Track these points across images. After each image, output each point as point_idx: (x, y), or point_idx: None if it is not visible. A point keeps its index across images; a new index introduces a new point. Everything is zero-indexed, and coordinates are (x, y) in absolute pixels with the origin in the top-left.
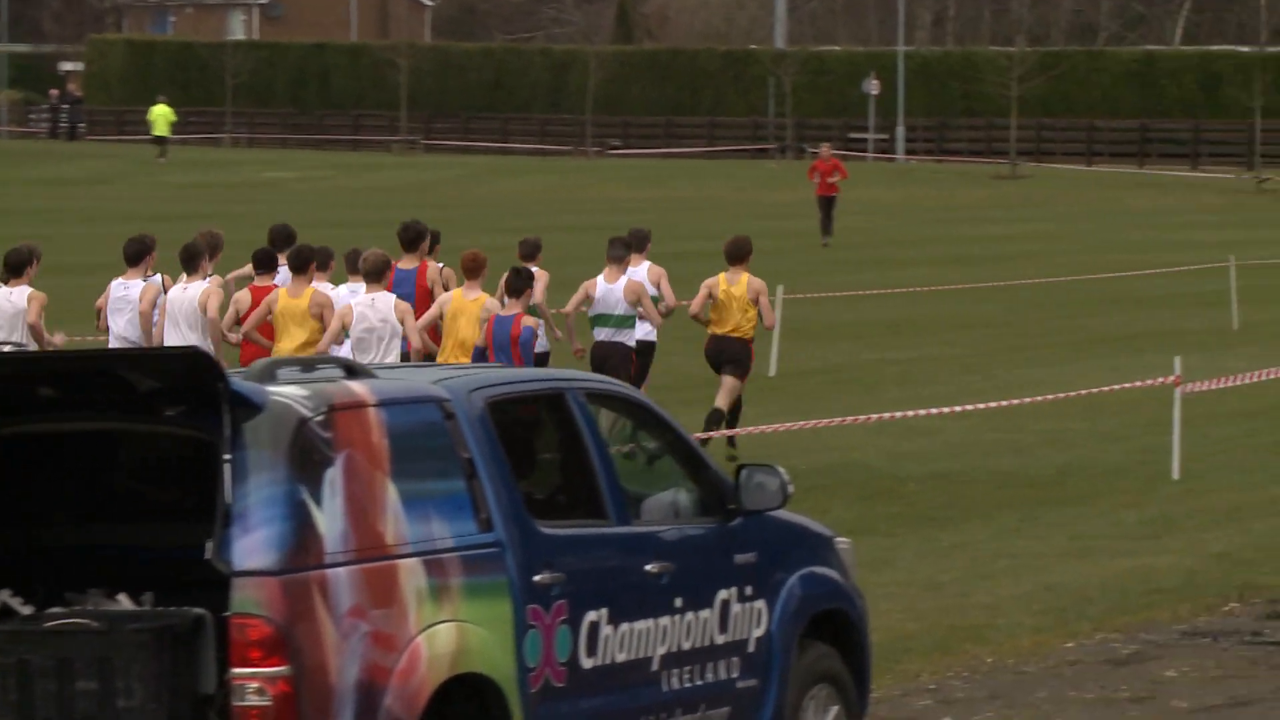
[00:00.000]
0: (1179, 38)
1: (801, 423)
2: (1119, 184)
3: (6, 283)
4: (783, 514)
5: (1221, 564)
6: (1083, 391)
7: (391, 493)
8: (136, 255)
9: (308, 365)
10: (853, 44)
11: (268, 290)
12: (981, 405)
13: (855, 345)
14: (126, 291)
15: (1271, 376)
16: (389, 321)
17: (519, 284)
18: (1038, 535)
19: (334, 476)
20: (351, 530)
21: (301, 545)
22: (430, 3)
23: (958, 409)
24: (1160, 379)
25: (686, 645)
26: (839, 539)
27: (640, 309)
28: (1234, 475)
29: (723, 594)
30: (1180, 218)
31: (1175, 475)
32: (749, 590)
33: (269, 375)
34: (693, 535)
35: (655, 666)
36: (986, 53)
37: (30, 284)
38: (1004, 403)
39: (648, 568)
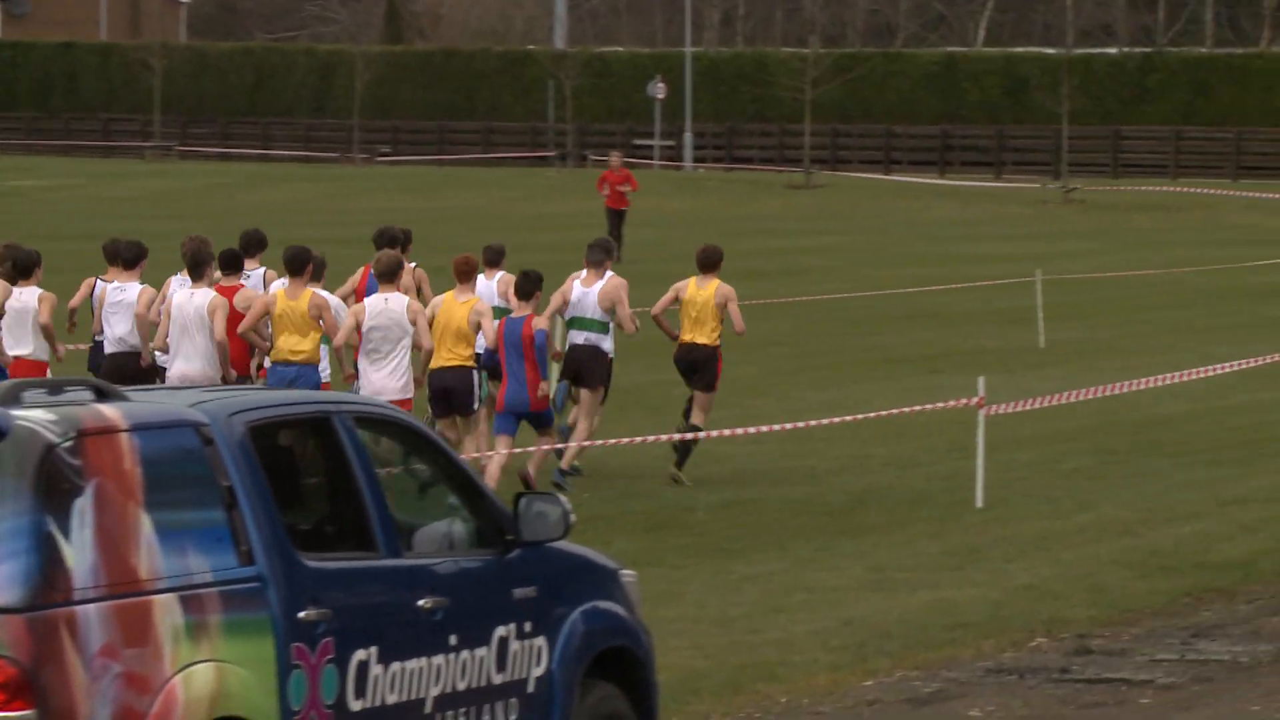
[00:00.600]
0: (981, 39)
1: (586, 443)
2: (919, 194)
3: (14, 283)
4: (564, 545)
5: (1027, 596)
6: (881, 414)
7: (145, 524)
8: (135, 258)
9: (55, 388)
10: (637, 44)
11: (234, 290)
12: (774, 428)
13: (642, 365)
14: (123, 295)
15: (1079, 398)
16: (400, 323)
17: (529, 287)
18: (834, 566)
19: (83, 506)
20: (102, 564)
21: (48, 580)
22: (185, 0)
23: (750, 430)
24: (963, 400)
25: (462, 685)
26: (624, 571)
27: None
28: (1040, 503)
29: (500, 631)
30: (984, 229)
31: (979, 503)
32: (528, 627)
33: (13, 398)
34: (468, 568)
35: (428, 709)
36: (779, 54)
37: (39, 285)
38: (797, 425)
39: (420, 603)
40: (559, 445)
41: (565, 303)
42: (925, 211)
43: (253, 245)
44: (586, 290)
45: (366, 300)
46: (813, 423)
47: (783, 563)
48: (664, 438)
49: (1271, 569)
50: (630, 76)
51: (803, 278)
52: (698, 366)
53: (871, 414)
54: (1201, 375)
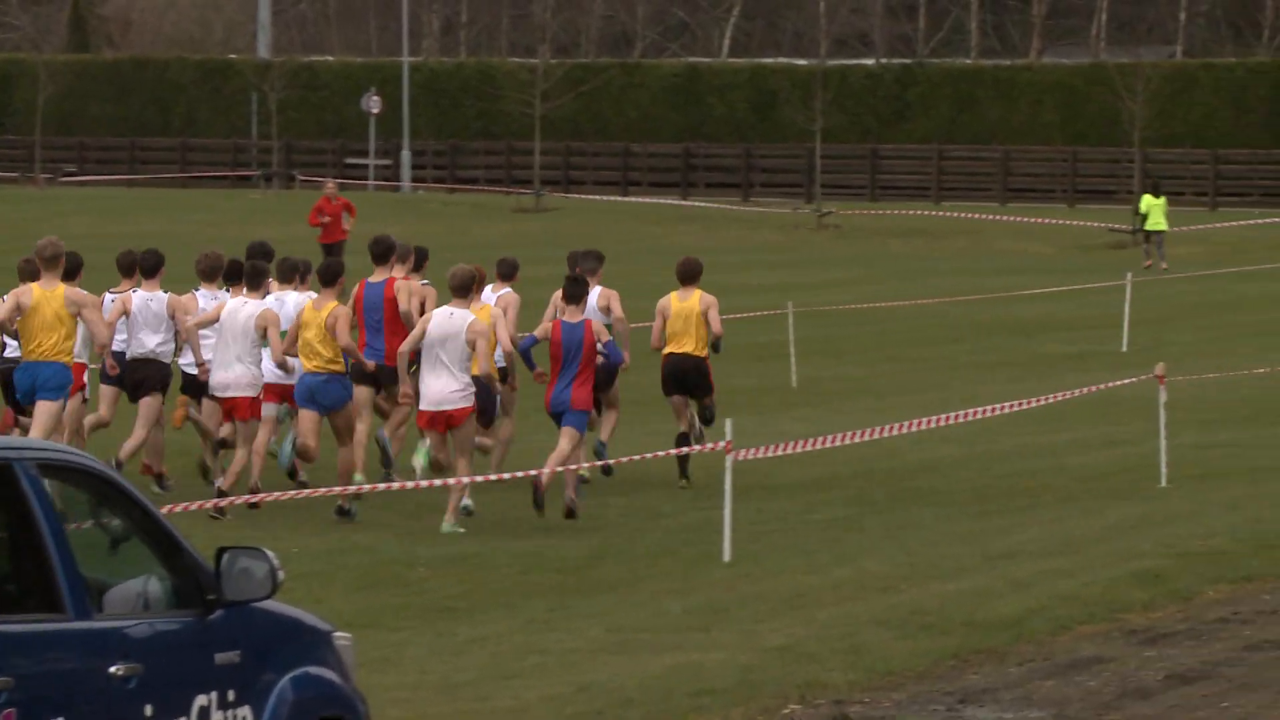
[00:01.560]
0: (727, 49)
1: (293, 493)
2: (660, 217)
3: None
4: (272, 605)
5: (781, 659)
6: (620, 460)
7: None
8: (154, 267)
9: None
10: (349, 53)
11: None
12: (504, 476)
13: None
14: (151, 304)
15: (835, 443)
16: (462, 334)
17: (578, 291)
18: (569, 627)
19: None
20: None
21: None
22: None
23: (478, 478)
24: (709, 445)
25: None
26: (338, 634)
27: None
28: (794, 556)
29: (201, 699)
30: (731, 257)
31: (726, 556)
32: (232, 695)
33: None
34: (165, 631)
35: None
36: (505, 65)
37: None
38: (528, 474)
39: (112, 669)
40: (545, 471)
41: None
42: (667, 237)
43: (260, 258)
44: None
45: (435, 311)
46: (545, 471)
47: (513, 623)
48: (379, 487)
49: (1044, 628)
50: (342, 89)
51: (528, 312)
52: (688, 377)
53: (609, 460)
54: (968, 418)
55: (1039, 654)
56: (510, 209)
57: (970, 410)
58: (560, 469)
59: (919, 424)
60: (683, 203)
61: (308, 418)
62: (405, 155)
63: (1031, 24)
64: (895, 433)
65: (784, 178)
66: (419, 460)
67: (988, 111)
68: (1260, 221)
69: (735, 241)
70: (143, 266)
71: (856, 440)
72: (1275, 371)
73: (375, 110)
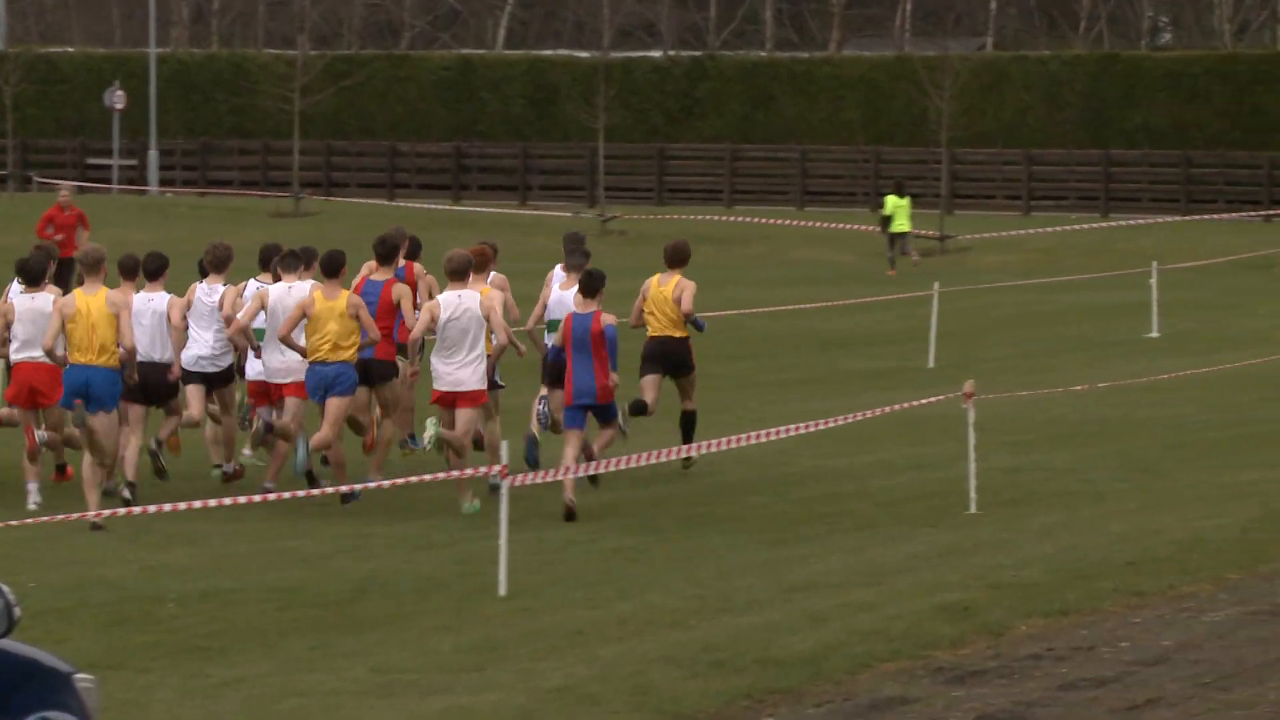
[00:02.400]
0: (502, 40)
1: (49, 516)
2: (431, 222)
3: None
4: (8, 644)
5: (560, 701)
6: (384, 484)
7: None
8: (158, 270)
9: None
10: (91, 44)
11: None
12: (253, 500)
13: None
14: (212, 298)
15: (619, 466)
16: (477, 317)
17: (593, 284)
18: (331, 667)
19: None
20: None
21: None
22: None
23: (226, 501)
24: (482, 470)
25: None
26: (80, 675)
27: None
28: (575, 589)
29: None
30: (508, 265)
31: (502, 590)
32: None
33: None
34: None
35: None
36: (261, 57)
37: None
38: (289, 495)
39: None
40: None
41: (546, 307)
42: (438, 244)
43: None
44: (563, 294)
45: (441, 296)
46: (304, 495)
47: (270, 663)
48: (120, 512)
49: (844, 666)
50: (83, 83)
51: None
52: (670, 358)
53: (371, 484)
54: (762, 439)
55: (838, 694)
56: (267, 213)
57: (765, 430)
58: (560, 476)
59: (711, 445)
60: (455, 207)
61: (329, 405)
62: (152, 155)
63: (831, 14)
64: (684, 454)
65: (564, 180)
66: (428, 433)
67: (784, 108)
68: (1076, 227)
69: (512, 248)
70: (147, 269)
71: (641, 463)
72: (1092, 389)
73: (119, 106)
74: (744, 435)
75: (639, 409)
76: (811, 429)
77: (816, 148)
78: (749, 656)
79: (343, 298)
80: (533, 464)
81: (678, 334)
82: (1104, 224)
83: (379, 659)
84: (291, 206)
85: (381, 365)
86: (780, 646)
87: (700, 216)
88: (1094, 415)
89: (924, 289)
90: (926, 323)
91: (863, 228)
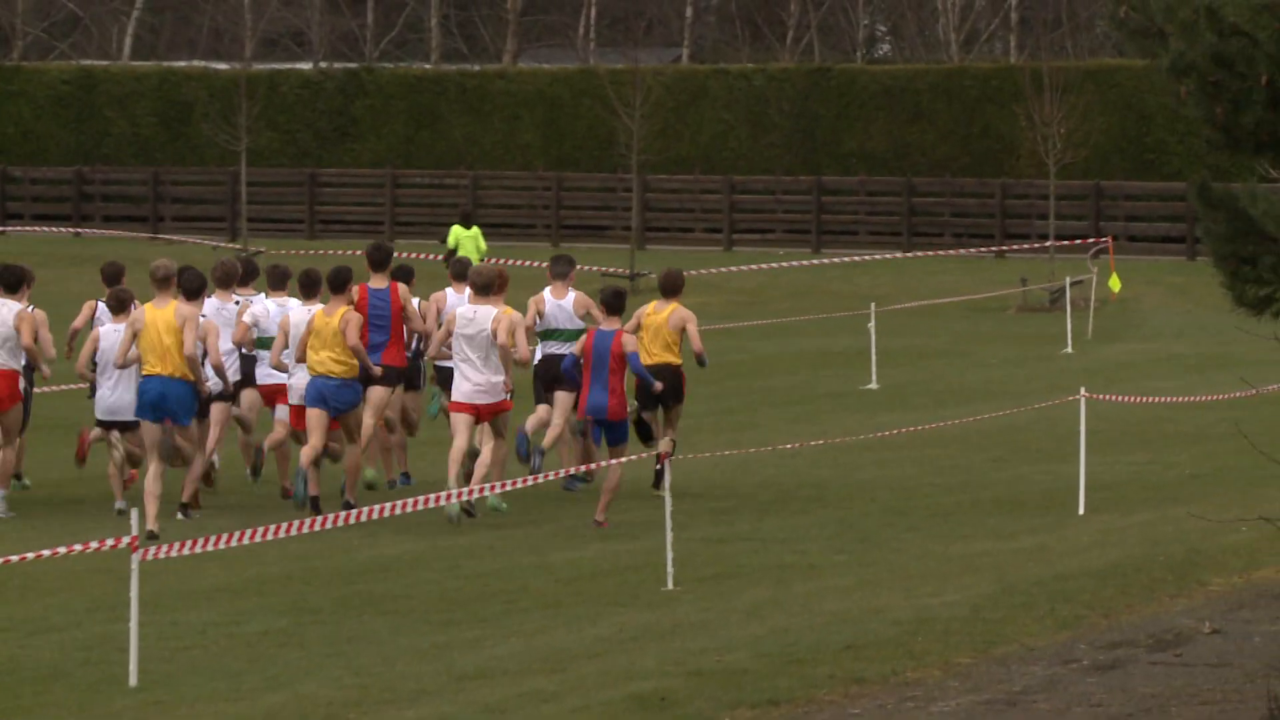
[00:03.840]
0: (128, 50)
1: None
2: (50, 257)
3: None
4: None
5: None
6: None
7: None
8: (199, 289)
9: None
10: None
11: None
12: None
13: None
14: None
15: (266, 539)
16: (487, 332)
17: (618, 303)
18: None
19: None
20: None
21: None
22: None
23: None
24: (107, 542)
25: None
26: None
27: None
28: (215, 679)
29: None
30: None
31: (133, 680)
32: None
33: None
34: None
35: None
36: None
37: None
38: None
39: None
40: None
41: (539, 314)
42: (57, 283)
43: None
44: (560, 302)
45: (458, 311)
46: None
47: None
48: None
49: None
50: None
51: None
52: (666, 385)
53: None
54: (428, 505)
55: None
56: None
57: (430, 495)
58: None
59: (368, 514)
60: (76, 237)
61: (317, 416)
62: None
63: (504, 20)
64: (340, 524)
65: (202, 209)
66: (431, 408)
67: (452, 129)
68: (784, 264)
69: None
70: (185, 288)
71: (294, 534)
72: (804, 448)
73: None
74: (407, 502)
75: (646, 434)
76: (485, 494)
77: (489, 174)
78: None
79: (339, 314)
80: (524, 457)
81: (672, 360)
82: (816, 260)
83: None
84: None
85: (392, 371)
86: None
87: (357, 251)
88: (807, 478)
89: None
90: None
91: (534, 263)
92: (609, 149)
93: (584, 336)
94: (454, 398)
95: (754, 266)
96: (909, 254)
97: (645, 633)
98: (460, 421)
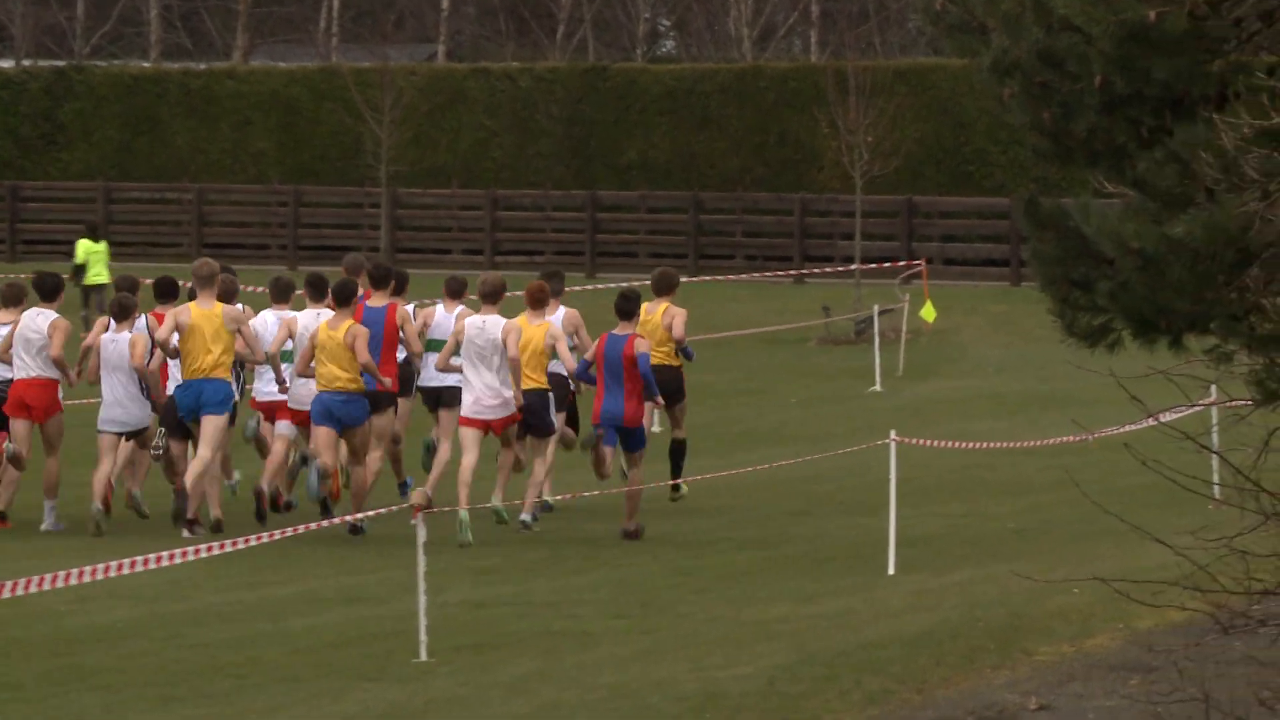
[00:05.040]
0: None
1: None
2: None
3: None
4: None
5: None
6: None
7: None
8: (229, 294)
9: None
10: None
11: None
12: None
13: None
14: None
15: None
16: (496, 342)
17: (629, 306)
18: None
19: None
20: None
21: None
22: None
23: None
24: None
25: None
26: None
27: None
28: None
29: None
30: None
31: None
32: None
33: None
34: None
35: None
36: None
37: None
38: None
39: None
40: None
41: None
42: None
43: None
44: (450, 316)
45: (467, 321)
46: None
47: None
48: None
49: None
50: None
51: None
52: (663, 386)
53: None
54: (149, 565)
55: None
56: None
57: (152, 556)
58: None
59: (80, 575)
60: None
61: (324, 433)
62: None
63: (234, 13)
64: (50, 586)
65: None
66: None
67: (174, 135)
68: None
69: None
70: (223, 288)
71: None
72: (578, 499)
73: None
74: (125, 561)
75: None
76: (215, 552)
77: (217, 186)
78: None
79: (344, 328)
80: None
81: (670, 361)
82: (591, 286)
83: None
84: None
85: (379, 395)
86: None
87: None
88: (582, 532)
89: None
90: None
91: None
92: (354, 159)
93: (596, 342)
94: (463, 413)
95: (519, 293)
96: (696, 278)
97: (395, 711)
98: (470, 437)
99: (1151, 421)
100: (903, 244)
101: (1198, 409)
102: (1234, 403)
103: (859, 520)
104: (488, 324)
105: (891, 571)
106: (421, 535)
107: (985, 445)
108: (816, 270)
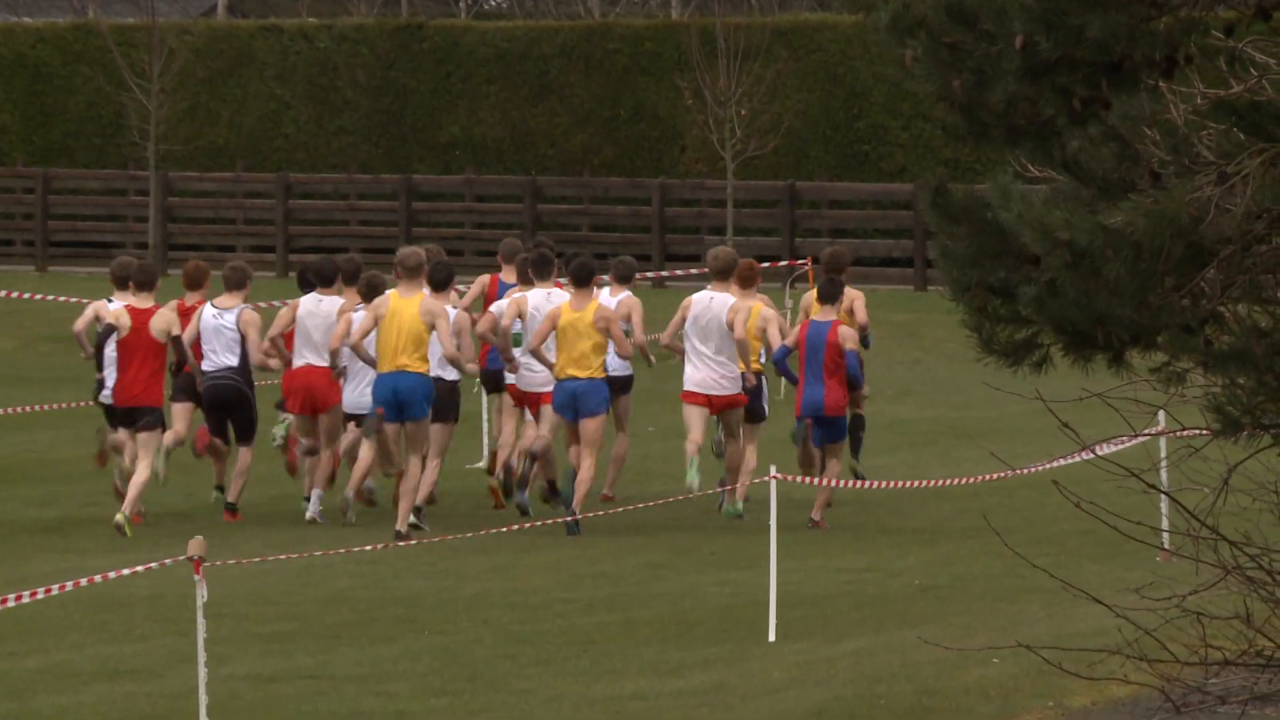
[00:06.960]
0: None
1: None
2: None
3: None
4: None
5: None
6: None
7: None
8: (240, 282)
9: None
10: None
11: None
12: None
13: None
14: (221, 320)
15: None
16: (720, 319)
17: (833, 290)
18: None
19: None
20: None
21: None
22: None
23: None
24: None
25: None
26: None
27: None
28: None
29: None
30: None
31: None
32: None
33: None
34: None
35: None
36: None
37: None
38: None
39: None
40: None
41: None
42: None
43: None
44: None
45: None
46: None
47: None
48: None
49: None
50: None
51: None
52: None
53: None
54: None
55: None
56: None
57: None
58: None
59: None
60: None
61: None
62: None
63: None
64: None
65: None
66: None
67: None
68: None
69: None
70: (229, 281)
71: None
72: (392, 550)
73: None
74: None
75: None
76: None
77: None
78: None
79: (590, 308)
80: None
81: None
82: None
83: None
84: None
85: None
86: None
87: None
88: (395, 590)
89: None
90: None
91: (17, 294)
92: (116, 136)
93: (798, 328)
94: (687, 388)
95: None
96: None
97: None
98: (695, 415)
99: (1087, 455)
100: (784, 239)
101: (1143, 440)
102: (1186, 432)
103: (733, 575)
104: (715, 302)
105: (772, 638)
106: (202, 595)
107: (887, 484)
108: (680, 271)
